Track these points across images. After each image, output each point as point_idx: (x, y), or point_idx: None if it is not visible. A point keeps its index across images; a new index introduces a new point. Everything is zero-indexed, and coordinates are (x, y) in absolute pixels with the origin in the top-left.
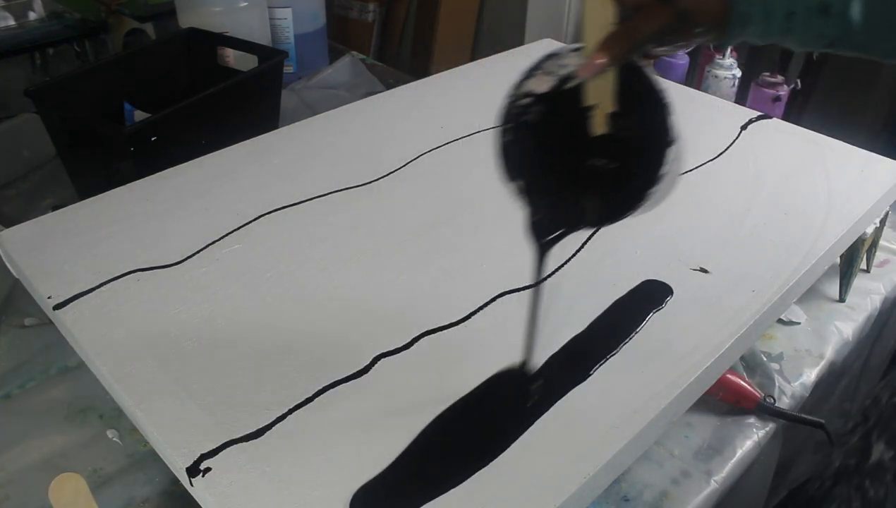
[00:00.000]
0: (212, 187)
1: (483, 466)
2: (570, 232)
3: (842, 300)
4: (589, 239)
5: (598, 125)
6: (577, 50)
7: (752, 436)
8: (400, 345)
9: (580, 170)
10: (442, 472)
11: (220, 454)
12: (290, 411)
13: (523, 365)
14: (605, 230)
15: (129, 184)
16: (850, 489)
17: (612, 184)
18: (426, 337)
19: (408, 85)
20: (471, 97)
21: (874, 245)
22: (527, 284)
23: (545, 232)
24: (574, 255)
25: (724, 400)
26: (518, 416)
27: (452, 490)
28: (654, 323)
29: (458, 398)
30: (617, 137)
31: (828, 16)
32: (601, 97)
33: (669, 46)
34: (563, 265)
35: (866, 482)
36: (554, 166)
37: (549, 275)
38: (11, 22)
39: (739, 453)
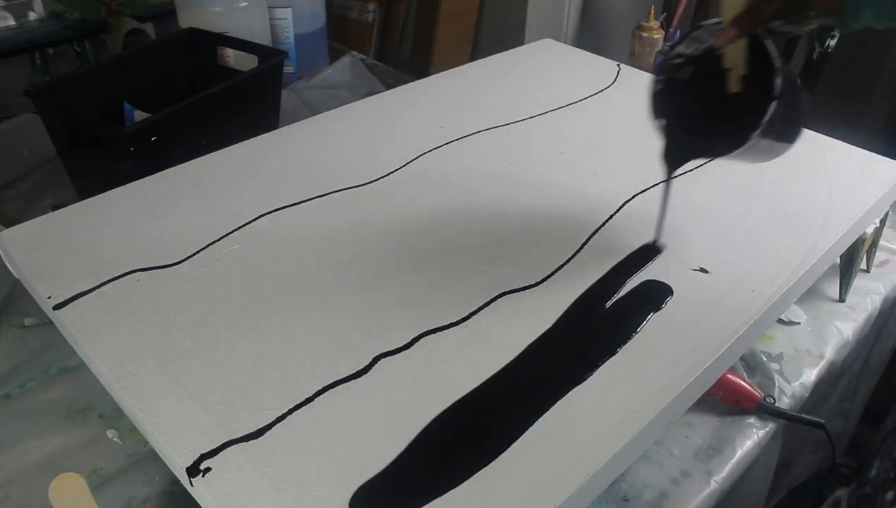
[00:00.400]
0: (212, 187)
1: (483, 466)
2: (693, 158)
3: (842, 300)
4: (589, 239)
5: (733, 84)
6: (717, 24)
7: (752, 436)
8: (400, 345)
9: (711, 115)
10: (442, 472)
11: (220, 454)
12: (290, 411)
13: (655, 242)
14: (606, 229)
15: (129, 184)
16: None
17: (728, 126)
18: (426, 337)
19: (408, 85)
20: (471, 97)
21: (874, 245)
22: (530, 284)
23: (676, 160)
24: (577, 253)
25: (724, 400)
26: (518, 416)
27: (452, 490)
28: (654, 323)
29: (458, 398)
30: (743, 95)
31: None
32: (735, 62)
33: (790, 25)
34: (565, 263)
35: None
36: (692, 111)
37: (557, 271)
38: (11, 22)
39: (739, 453)
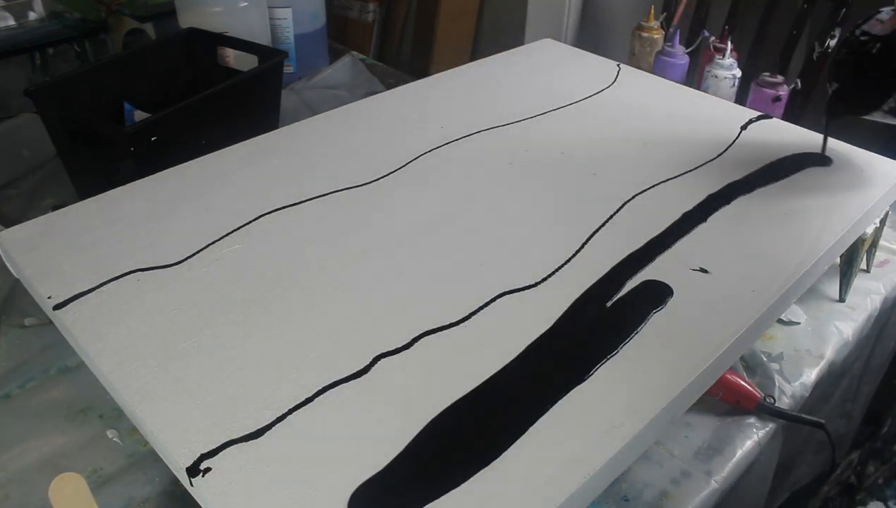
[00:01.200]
0: (212, 187)
1: (483, 466)
2: (853, 114)
3: (842, 300)
4: (589, 239)
5: None
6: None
7: (752, 436)
8: (400, 345)
9: (877, 84)
10: (442, 472)
11: (220, 454)
12: (290, 411)
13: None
14: (606, 229)
15: (129, 184)
16: None
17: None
18: (426, 337)
19: (408, 85)
20: (471, 97)
21: (874, 245)
22: (530, 284)
23: (836, 112)
24: (577, 253)
25: (724, 400)
26: (518, 416)
27: (452, 490)
28: (654, 323)
29: (458, 398)
30: None
31: None
32: None
33: None
34: (565, 263)
35: None
36: (866, 81)
37: (557, 271)
38: (11, 22)
39: (739, 453)
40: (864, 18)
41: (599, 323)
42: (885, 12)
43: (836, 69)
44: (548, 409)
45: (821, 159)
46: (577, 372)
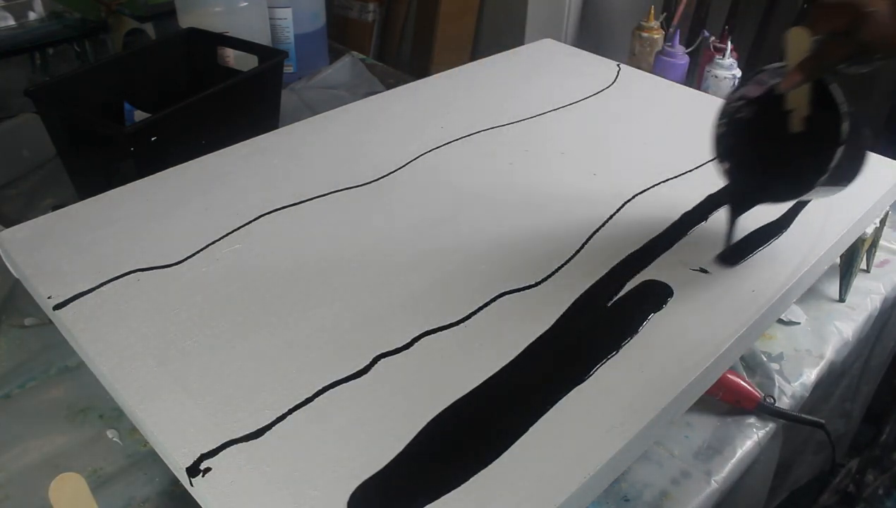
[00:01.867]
0: (212, 187)
1: (483, 466)
2: (758, 204)
3: (842, 300)
4: (589, 239)
5: (796, 125)
6: (781, 68)
7: (752, 436)
8: (400, 345)
9: (775, 160)
10: (442, 472)
11: (220, 454)
12: (290, 411)
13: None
14: (606, 229)
15: (129, 184)
16: None
17: (795, 171)
18: (426, 337)
19: (408, 85)
20: (471, 97)
21: (874, 245)
22: (530, 284)
23: (741, 203)
24: (577, 253)
25: (724, 400)
26: (518, 416)
27: (452, 490)
28: (654, 323)
29: (458, 398)
30: (806, 135)
31: None
32: (798, 104)
33: (855, 66)
34: (565, 264)
35: None
36: (756, 154)
37: (557, 271)
38: (11, 22)
39: (739, 453)
40: (746, 79)
41: (599, 323)
42: (769, 71)
43: (718, 146)
44: (548, 409)
45: (724, 257)
46: (577, 372)
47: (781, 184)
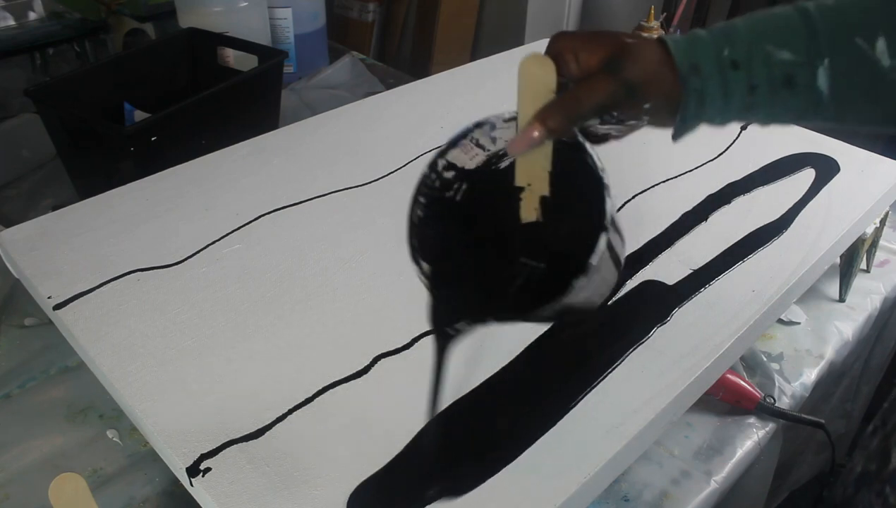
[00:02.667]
0: (212, 187)
1: (483, 466)
2: (473, 325)
3: (842, 300)
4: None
5: (528, 210)
6: (510, 120)
7: (752, 436)
8: (400, 345)
9: (499, 263)
10: (442, 472)
11: (220, 454)
12: (290, 411)
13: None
14: None
15: (129, 184)
16: (871, 495)
17: (531, 279)
18: (426, 338)
19: (408, 85)
20: (471, 97)
21: (874, 245)
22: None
23: (447, 321)
24: None
25: (724, 400)
26: (518, 416)
27: (452, 491)
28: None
29: (458, 398)
30: (546, 226)
31: (793, 87)
32: (534, 178)
33: (614, 123)
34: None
35: (887, 488)
36: (468, 253)
37: None
38: (11, 22)
39: (739, 453)
40: (461, 131)
41: (599, 323)
42: (490, 125)
43: (413, 237)
44: (548, 410)
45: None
46: (578, 373)
47: (497, 302)
